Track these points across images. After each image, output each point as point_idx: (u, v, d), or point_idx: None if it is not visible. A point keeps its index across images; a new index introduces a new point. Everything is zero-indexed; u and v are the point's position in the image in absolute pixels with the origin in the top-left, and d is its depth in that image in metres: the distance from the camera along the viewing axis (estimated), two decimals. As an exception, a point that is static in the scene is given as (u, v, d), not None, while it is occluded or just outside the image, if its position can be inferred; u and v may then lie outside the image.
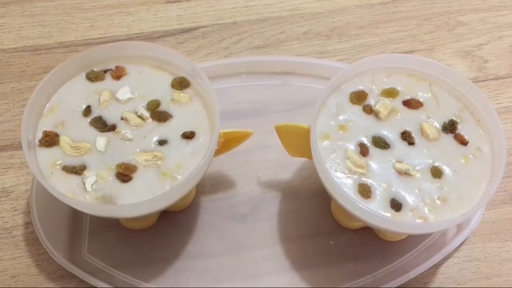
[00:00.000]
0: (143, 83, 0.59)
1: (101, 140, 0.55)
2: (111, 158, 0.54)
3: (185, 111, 0.57)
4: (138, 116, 0.56)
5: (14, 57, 0.72)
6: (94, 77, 0.59)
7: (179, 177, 0.53)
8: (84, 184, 0.52)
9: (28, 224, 0.61)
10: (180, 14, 0.76)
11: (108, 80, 0.59)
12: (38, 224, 0.60)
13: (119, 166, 0.53)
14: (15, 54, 0.72)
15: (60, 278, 0.58)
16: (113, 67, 0.59)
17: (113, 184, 0.53)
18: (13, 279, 0.58)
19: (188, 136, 0.55)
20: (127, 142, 0.55)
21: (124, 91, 0.58)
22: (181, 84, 0.58)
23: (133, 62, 0.60)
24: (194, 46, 0.74)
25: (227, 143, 0.58)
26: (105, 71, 0.59)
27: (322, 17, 0.77)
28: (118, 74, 0.59)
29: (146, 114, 0.56)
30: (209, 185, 0.63)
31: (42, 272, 0.59)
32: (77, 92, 0.58)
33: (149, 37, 0.74)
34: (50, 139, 0.55)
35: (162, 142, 0.55)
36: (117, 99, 0.57)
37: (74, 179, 0.53)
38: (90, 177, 0.53)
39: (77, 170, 0.53)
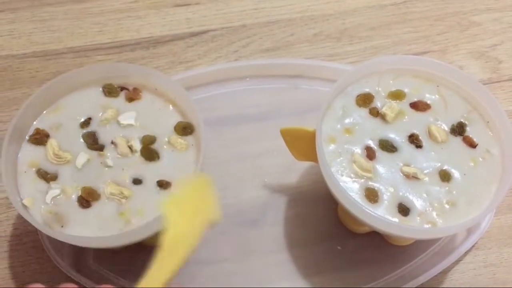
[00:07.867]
0: (150, 114, 0.57)
1: (82, 157, 0.54)
2: (82, 178, 0.53)
3: (175, 159, 0.55)
4: (128, 146, 0.55)
5: (24, 62, 0.72)
6: (108, 91, 0.58)
7: (133, 222, 0.51)
8: (46, 194, 0.52)
9: (31, 233, 0.61)
10: (189, 18, 0.76)
11: (121, 99, 0.58)
12: (43, 232, 0.59)
13: (84, 189, 0.52)
14: (25, 60, 0.72)
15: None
16: (131, 88, 0.58)
17: (71, 205, 0.52)
18: (17, 288, 0.58)
19: (163, 185, 0.53)
20: (106, 168, 0.54)
21: (128, 116, 0.56)
22: (184, 130, 0.56)
23: (150, 90, 0.58)
24: (203, 50, 0.74)
25: None
26: (122, 89, 0.58)
27: (333, 19, 0.76)
28: (132, 96, 0.58)
29: (137, 147, 0.55)
30: (217, 190, 0.62)
31: (47, 281, 0.58)
32: (87, 101, 0.57)
33: (158, 41, 0.74)
34: (39, 138, 0.55)
35: (136, 181, 0.53)
36: (117, 121, 0.56)
37: (40, 185, 0.53)
38: (54, 189, 0.52)
39: (47, 178, 0.53)
